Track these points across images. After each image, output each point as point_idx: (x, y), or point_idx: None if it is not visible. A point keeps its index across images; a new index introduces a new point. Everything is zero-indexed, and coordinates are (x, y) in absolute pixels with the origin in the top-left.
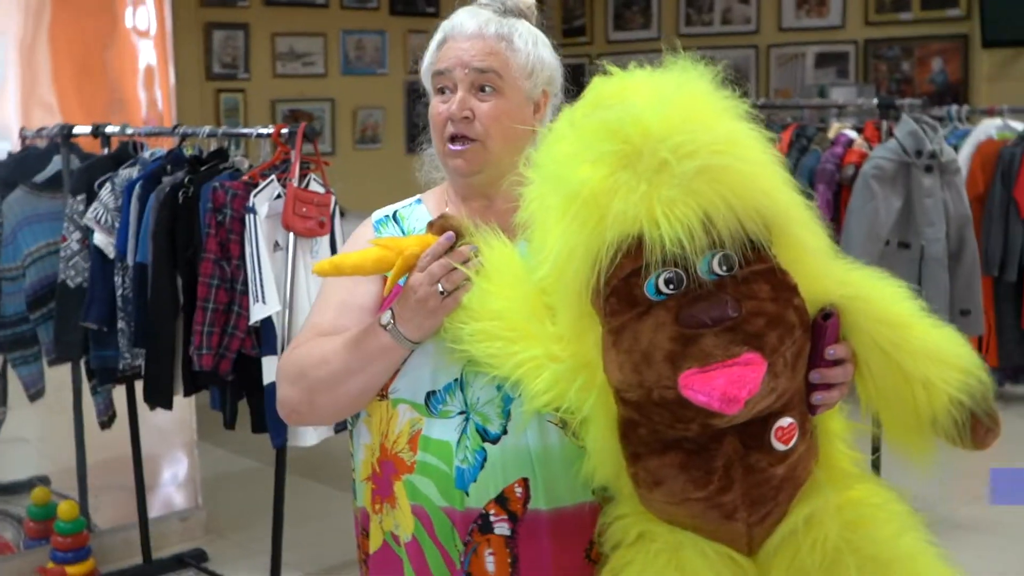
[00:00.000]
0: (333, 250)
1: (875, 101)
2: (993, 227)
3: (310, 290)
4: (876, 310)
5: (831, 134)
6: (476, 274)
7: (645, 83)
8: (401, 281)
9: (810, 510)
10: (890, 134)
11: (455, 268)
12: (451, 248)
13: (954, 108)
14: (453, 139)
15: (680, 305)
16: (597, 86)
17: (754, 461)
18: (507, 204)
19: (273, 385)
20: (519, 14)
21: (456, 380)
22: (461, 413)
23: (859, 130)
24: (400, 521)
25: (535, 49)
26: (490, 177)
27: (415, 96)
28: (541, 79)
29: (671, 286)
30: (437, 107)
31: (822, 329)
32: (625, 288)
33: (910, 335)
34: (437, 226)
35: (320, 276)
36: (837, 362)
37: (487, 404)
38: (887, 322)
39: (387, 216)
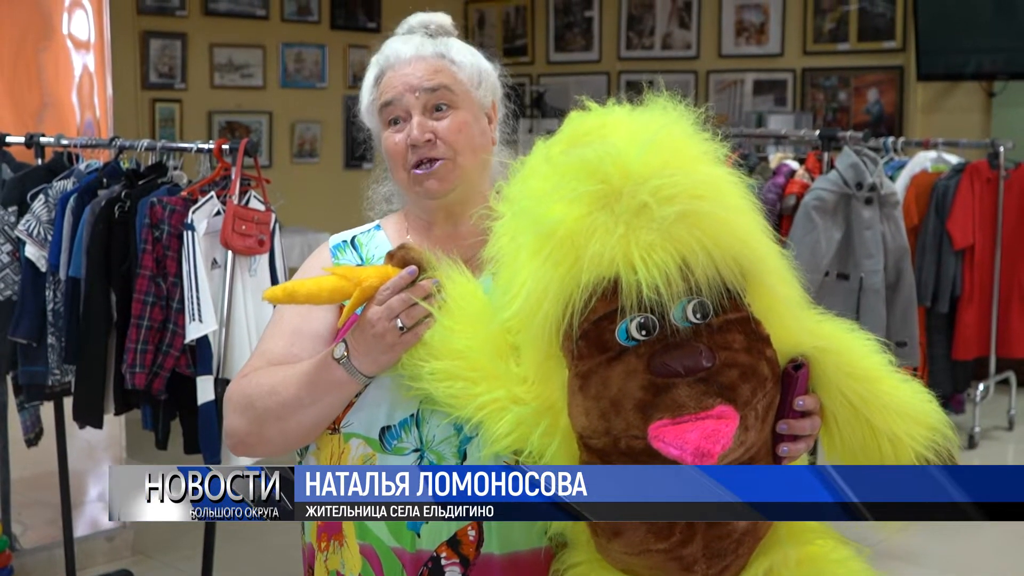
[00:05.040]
0: (272, 269)
1: (817, 132)
2: (927, 258)
3: (247, 309)
4: (846, 363)
5: (773, 164)
6: (438, 310)
7: (625, 121)
8: (357, 311)
9: (769, 564)
10: (831, 166)
11: (416, 303)
12: (412, 282)
13: (890, 139)
14: (418, 164)
15: (652, 352)
16: (574, 121)
17: None
18: (472, 235)
19: (208, 405)
20: (446, 34)
21: (412, 416)
22: (416, 451)
23: (800, 160)
24: (347, 560)
25: (475, 59)
26: (462, 195)
27: (354, 111)
28: (488, 87)
29: (644, 332)
30: (392, 139)
31: (792, 380)
32: (595, 332)
33: (878, 389)
34: (398, 258)
35: (272, 303)
36: (805, 414)
37: (443, 443)
38: (856, 375)
39: (345, 242)
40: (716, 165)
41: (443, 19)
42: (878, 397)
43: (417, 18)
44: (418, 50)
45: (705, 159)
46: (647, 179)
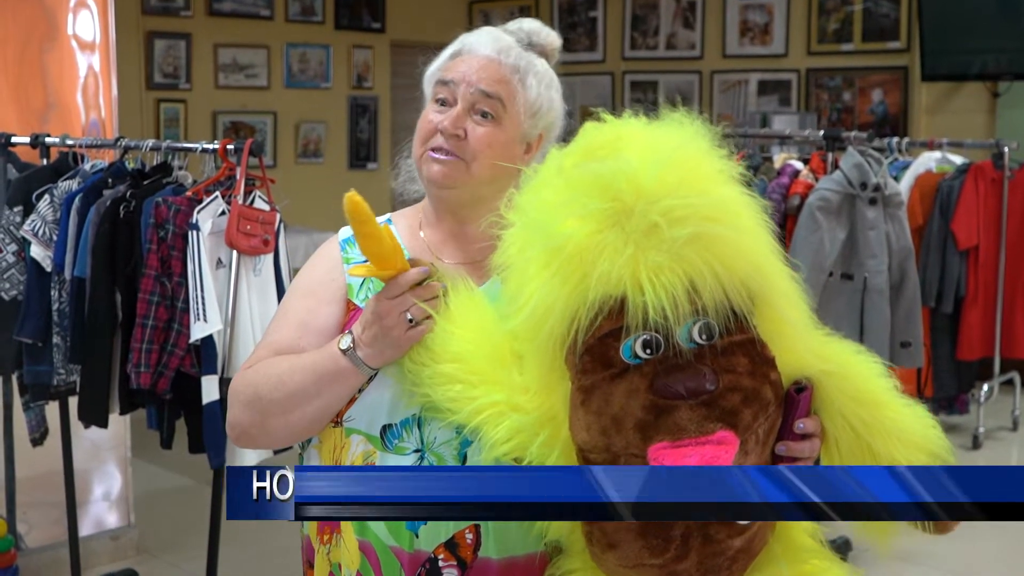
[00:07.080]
0: (277, 269)
1: (821, 133)
2: (931, 258)
3: (252, 309)
4: (850, 387)
5: (777, 164)
6: (439, 314)
7: (640, 137)
8: (362, 305)
9: None
10: (835, 166)
11: (426, 300)
12: (422, 281)
13: (894, 140)
14: (437, 149)
15: (656, 372)
16: (589, 133)
17: (713, 532)
18: (482, 239)
19: (213, 404)
20: (541, 52)
21: (414, 416)
22: (416, 451)
23: (804, 160)
24: (345, 556)
25: (547, 91)
26: (463, 198)
27: (358, 111)
28: (543, 122)
29: (648, 351)
30: (429, 115)
31: (794, 402)
32: (600, 348)
33: (882, 414)
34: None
35: (349, 209)
36: (805, 436)
37: (443, 445)
38: (860, 400)
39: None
40: (731, 185)
41: (551, 39)
42: (880, 422)
43: (529, 24)
44: (500, 53)
45: (720, 179)
46: (660, 199)
